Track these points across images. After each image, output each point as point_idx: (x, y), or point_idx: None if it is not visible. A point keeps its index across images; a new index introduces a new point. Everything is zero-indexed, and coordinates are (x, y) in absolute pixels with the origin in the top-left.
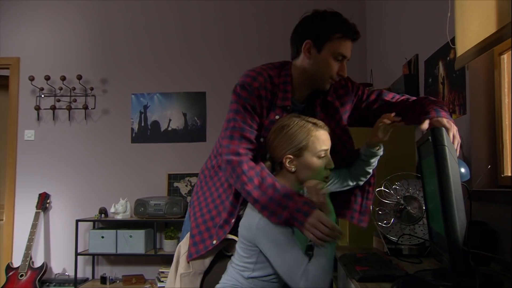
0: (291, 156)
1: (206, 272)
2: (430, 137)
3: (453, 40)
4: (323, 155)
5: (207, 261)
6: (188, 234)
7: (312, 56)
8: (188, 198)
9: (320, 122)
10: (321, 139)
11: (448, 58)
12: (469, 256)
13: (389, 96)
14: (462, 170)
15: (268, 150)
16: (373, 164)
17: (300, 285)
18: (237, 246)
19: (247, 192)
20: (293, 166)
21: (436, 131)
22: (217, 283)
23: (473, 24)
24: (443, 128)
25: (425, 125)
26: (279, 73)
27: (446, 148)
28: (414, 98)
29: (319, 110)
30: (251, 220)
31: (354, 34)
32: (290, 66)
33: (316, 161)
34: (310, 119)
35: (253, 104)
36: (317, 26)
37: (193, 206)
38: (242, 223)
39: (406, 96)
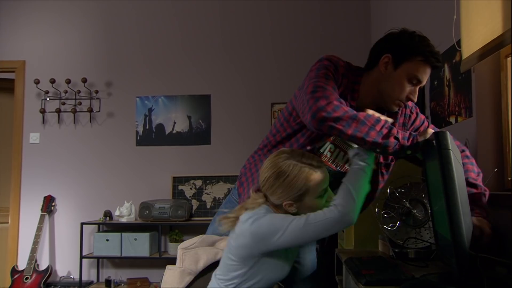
0: (291, 202)
1: (197, 277)
2: (434, 141)
3: (459, 42)
4: (323, 194)
5: (201, 263)
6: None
7: (387, 72)
8: (193, 201)
9: (315, 161)
10: (320, 181)
11: (454, 61)
12: (476, 260)
13: None
14: None
15: (264, 190)
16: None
17: (346, 219)
18: (223, 258)
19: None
20: (294, 209)
21: (440, 134)
22: None
23: (479, 26)
24: (447, 132)
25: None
26: (350, 79)
27: (451, 151)
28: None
29: None
30: (245, 227)
31: (437, 61)
32: (361, 73)
33: (317, 202)
34: (305, 159)
35: (335, 77)
36: (401, 43)
37: (242, 188)
38: (235, 232)
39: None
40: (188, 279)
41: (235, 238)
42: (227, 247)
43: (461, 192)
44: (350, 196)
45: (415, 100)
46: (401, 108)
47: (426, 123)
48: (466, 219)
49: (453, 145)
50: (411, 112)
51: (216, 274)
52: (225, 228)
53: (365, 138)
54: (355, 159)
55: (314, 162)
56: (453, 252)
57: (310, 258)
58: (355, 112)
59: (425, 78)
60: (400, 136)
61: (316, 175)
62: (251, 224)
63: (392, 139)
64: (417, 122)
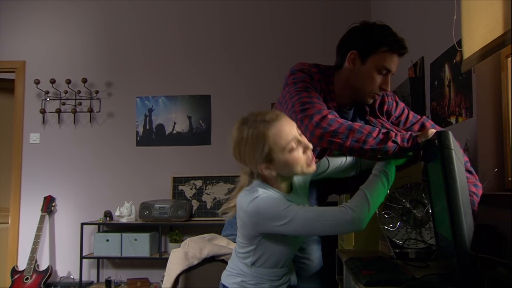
0: (264, 164)
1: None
2: (436, 141)
3: (459, 42)
4: (294, 145)
5: (205, 251)
6: None
7: (356, 67)
8: (193, 201)
9: (269, 115)
10: (281, 133)
11: (454, 61)
12: (477, 261)
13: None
14: None
15: (240, 162)
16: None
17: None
18: (237, 231)
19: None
20: (272, 171)
21: (442, 134)
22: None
23: (479, 27)
24: (450, 131)
25: None
26: (323, 79)
27: (453, 151)
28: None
29: (374, 121)
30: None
31: (402, 48)
32: (333, 73)
33: (290, 156)
34: (259, 118)
35: (313, 85)
36: (364, 37)
37: None
38: (237, 213)
39: None
40: (191, 261)
41: (238, 219)
42: (237, 218)
43: (463, 192)
44: (366, 202)
45: (388, 89)
46: (379, 97)
47: (406, 111)
48: (468, 219)
49: (455, 145)
50: (393, 100)
51: (236, 250)
52: (231, 216)
53: (364, 147)
54: (378, 165)
55: (267, 117)
56: (454, 252)
57: (317, 255)
58: (349, 122)
59: (393, 66)
60: (399, 139)
61: (272, 130)
62: (248, 204)
63: (390, 143)
64: (397, 111)
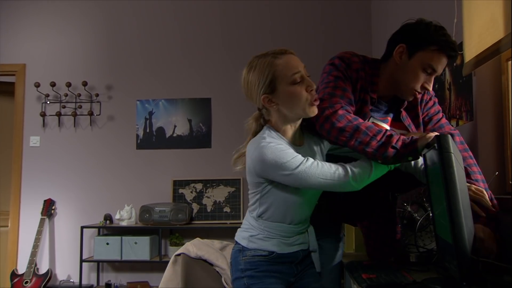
0: (267, 95)
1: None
2: (436, 144)
3: (460, 45)
4: (298, 79)
5: (202, 252)
6: None
7: (402, 62)
8: (194, 205)
9: (281, 48)
10: (288, 63)
11: (454, 64)
12: (478, 264)
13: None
14: None
15: (249, 100)
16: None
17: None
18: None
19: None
20: (273, 104)
21: (442, 138)
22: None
23: (480, 30)
24: (449, 135)
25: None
26: (369, 66)
27: (452, 155)
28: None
29: (405, 115)
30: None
31: (452, 50)
32: (379, 65)
33: (293, 88)
34: (271, 51)
35: (348, 74)
36: (415, 33)
37: None
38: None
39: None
40: (190, 248)
41: (246, 166)
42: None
43: (463, 196)
44: (368, 172)
45: (430, 89)
46: (420, 95)
47: (440, 115)
48: (468, 222)
49: (454, 148)
50: (429, 99)
51: (248, 206)
52: (241, 165)
53: (366, 149)
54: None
55: (277, 50)
56: (454, 255)
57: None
58: (358, 121)
59: (440, 67)
60: (399, 145)
61: (281, 59)
62: (253, 151)
63: (390, 149)
64: (432, 110)
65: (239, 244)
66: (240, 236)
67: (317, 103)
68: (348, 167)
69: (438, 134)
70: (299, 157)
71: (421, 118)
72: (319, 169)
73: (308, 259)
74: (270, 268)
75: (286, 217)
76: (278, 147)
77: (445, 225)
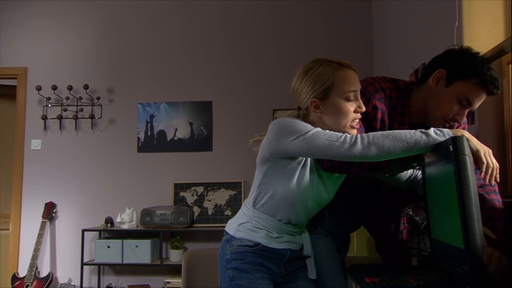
0: (316, 100)
1: None
2: (451, 146)
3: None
4: (352, 98)
5: None
6: None
7: (438, 88)
8: (195, 208)
9: (347, 62)
10: (348, 79)
11: None
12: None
13: None
14: None
15: (295, 98)
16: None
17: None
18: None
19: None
20: (319, 111)
21: (457, 139)
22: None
23: (481, 33)
24: (464, 137)
25: None
26: (400, 95)
27: (467, 157)
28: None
29: None
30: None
31: (494, 87)
32: (412, 88)
33: (344, 104)
34: (336, 60)
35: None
36: (459, 61)
37: None
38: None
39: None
40: None
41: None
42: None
43: (476, 199)
44: (383, 146)
45: (461, 123)
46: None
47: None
48: (479, 226)
49: (468, 150)
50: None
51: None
52: (258, 148)
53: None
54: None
55: (345, 63)
56: (461, 260)
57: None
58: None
59: (477, 102)
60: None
61: (344, 72)
62: (273, 122)
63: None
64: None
65: (228, 233)
66: (229, 225)
67: (357, 126)
68: (360, 136)
69: (453, 136)
70: (310, 126)
71: None
72: (328, 133)
73: (299, 262)
74: (256, 260)
75: (278, 212)
76: (294, 120)
77: (451, 229)
